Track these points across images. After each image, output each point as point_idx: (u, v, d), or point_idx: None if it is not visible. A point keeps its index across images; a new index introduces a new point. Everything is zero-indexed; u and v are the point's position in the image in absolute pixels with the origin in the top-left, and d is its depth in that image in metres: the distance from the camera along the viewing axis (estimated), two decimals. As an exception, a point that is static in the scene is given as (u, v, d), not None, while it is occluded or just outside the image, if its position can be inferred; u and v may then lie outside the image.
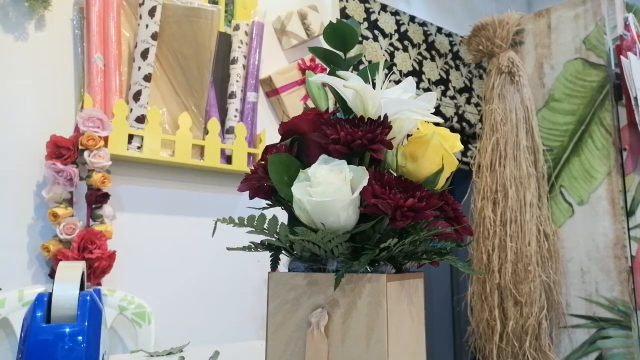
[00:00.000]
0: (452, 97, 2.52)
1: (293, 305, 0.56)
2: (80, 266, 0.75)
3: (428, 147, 0.58)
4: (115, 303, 1.39)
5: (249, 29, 1.79)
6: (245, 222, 0.59)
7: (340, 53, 0.64)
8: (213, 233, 0.62)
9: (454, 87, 2.54)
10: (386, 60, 2.27)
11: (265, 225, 0.59)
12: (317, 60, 1.99)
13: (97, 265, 1.34)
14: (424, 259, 0.59)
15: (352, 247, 0.55)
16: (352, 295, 0.53)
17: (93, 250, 1.33)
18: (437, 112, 2.42)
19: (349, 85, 0.55)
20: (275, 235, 0.59)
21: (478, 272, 0.70)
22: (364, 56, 2.19)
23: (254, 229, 0.59)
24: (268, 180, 0.57)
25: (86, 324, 0.68)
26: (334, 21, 0.62)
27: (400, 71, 2.32)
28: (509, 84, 1.93)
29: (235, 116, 1.71)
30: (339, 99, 0.60)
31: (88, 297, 0.71)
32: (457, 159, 0.61)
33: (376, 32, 2.26)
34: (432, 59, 2.48)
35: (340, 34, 0.62)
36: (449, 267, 2.69)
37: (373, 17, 2.26)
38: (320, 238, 0.52)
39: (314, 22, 1.97)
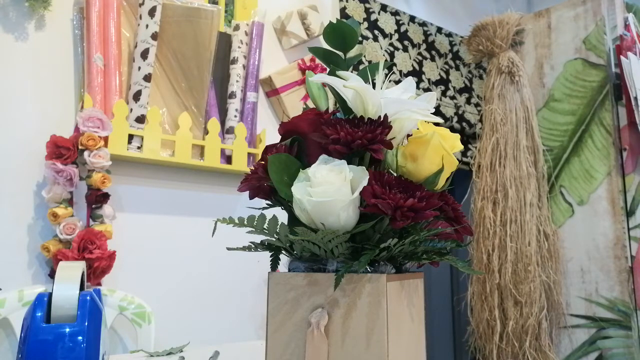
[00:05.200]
0: (452, 97, 2.52)
1: (293, 305, 0.56)
2: (80, 266, 0.75)
3: (428, 147, 0.58)
4: (115, 303, 1.39)
5: (249, 29, 1.79)
6: (245, 222, 0.59)
7: (340, 53, 0.64)
8: (213, 233, 0.62)
9: (454, 87, 2.54)
10: (386, 60, 2.27)
11: (265, 225, 0.59)
12: (317, 60, 1.99)
13: (97, 265, 1.34)
14: (424, 259, 0.59)
15: (352, 247, 0.55)
16: (352, 295, 0.53)
17: (93, 250, 1.33)
18: (437, 112, 2.42)
19: (349, 85, 0.55)
20: (275, 235, 0.59)
21: (478, 272, 0.70)
22: (364, 56, 2.19)
23: (254, 229, 0.59)
24: (268, 180, 0.57)
25: (86, 324, 0.68)
26: (334, 21, 0.62)
27: (400, 71, 2.32)
28: (509, 84, 1.93)
29: (235, 116, 1.71)
30: (339, 99, 0.60)
31: (88, 297, 0.71)
32: (457, 159, 0.61)
33: (376, 32, 2.26)
34: (432, 59, 2.48)
35: (340, 34, 0.62)
36: (449, 267, 2.69)
37: (373, 17, 2.26)
38: (320, 238, 0.52)
39: (314, 22, 1.97)
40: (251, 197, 0.61)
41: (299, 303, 0.56)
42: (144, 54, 1.52)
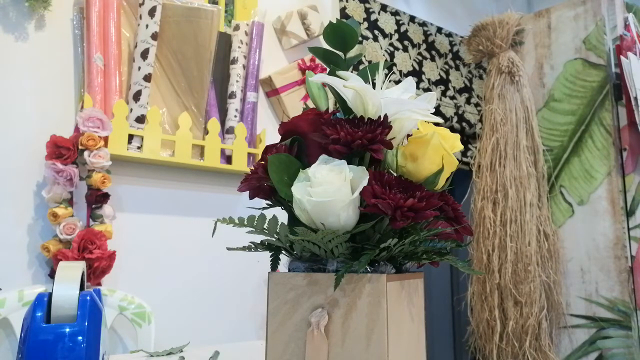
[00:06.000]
0: (452, 97, 2.52)
1: (293, 305, 0.56)
2: (80, 266, 0.75)
3: (428, 147, 0.58)
4: (115, 303, 1.39)
5: (249, 29, 1.79)
6: (245, 222, 0.59)
7: (340, 53, 0.64)
8: (213, 233, 0.62)
9: (454, 87, 2.54)
10: (386, 60, 2.27)
11: (265, 225, 0.59)
12: (317, 60, 1.99)
13: (97, 265, 1.34)
14: (424, 259, 0.59)
15: (352, 247, 0.55)
16: (352, 295, 0.53)
17: (93, 250, 1.33)
18: (437, 112, 2.42)
19: (349, 85, 0.55)
20: (275, 235, 0.59)
21: (478, 272, 0.70)
22: (364, 56, 2.19)
23: (254, 229, 0.59)
24: (268, 180, 0.57)
25: (86, 324, 0.68)
26: (334, 21, 0.62)
27: (400, 71, 2.32)
28: (509, 84, 1.93)
29: (235, 116, 1.71)
30: (339, 99, 0.60)
31: (88, 297, 0.71)
32: (457, 159, 0.61)
33: (376, 32, 2.26)
34: (432, 59, 2.48)
35: (340, 34, 0.62)
36: (449, 267, 2.69)
37: (373, 17, 2.26)
38: (320, 238, 0.52)
39: (314, 22, 1.97)
40: (251, 197, 0.61)
41: (299, 303, 0.56)
42: (144, 54, 1.52)
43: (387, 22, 2.31)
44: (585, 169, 1.83)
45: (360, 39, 1.71)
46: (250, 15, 1.81)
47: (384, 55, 2.26)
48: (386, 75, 0.62)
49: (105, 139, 1.43)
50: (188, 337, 1.57)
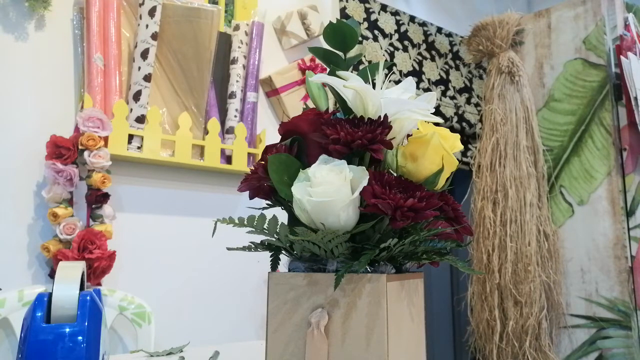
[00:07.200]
0: (452, 97, 2.52)
1: (293, 305, 0.56)
2: (80, 266, 0.75)
3: (428, 147, 0.58)
4: (115, 303, 1.39)
5: (249, 29, 1.79)
6: (245, 222, 0.59)
7: (340, 53, 0.64)
8: (213, 233, 0.62)
9: (454, 87, 2.54)
10: (386, 60, 2.27)
11: (265, 225, 0.59)
12: (317, 60, 1.99)
13: (97, 265, 1.34)
14: (424, 259, 0.59)
15: (352, 247, 0.55)
16: (352, 295, 0.53)
17: (93, 250, 1.33)
18: (437, 112, 2.42)
19: (349, 85, 0.55)
20: (275, 235, 0.59)
21: (478, 272, 0.70)
22: (364, 56, 2.19)
23: (254, 229, 0.59)
24: (268, 180, 0.57)
25: (86, 324, 0.68)
26: (334, 21, 0.62)
27: (400, 71, 2.32)
28: (509, 84, 1.93)
29: (235, 116, 1.71)
30: (339, 99, 0.60)
31: (88, 297, 0.71)
32: (457, 159, 0.60)
33: (376, 32, 2.26)
34: (432, 59, 2.48)
35: (340, 34, 0.62)
36: (449, 267, 2.69)
37: (373, 17, 2.26)
38: (320, 238, 0.52)
39: (314, 22, 1.97)
40: (251, 197, 0.61)
41: (299, 303, 0.56)
42: (144, 54, 1.52)
43: (387, 22, 2.31)
44: (585, 169, 1.83)
45: (360, 39, 1.71)
46: (250, 15, 1.81)
47: (384, 55, 2.26)
48: (386, 75, 0.62)
49: (105, 139, 1.43)
50: (188, 337, 1.57)
